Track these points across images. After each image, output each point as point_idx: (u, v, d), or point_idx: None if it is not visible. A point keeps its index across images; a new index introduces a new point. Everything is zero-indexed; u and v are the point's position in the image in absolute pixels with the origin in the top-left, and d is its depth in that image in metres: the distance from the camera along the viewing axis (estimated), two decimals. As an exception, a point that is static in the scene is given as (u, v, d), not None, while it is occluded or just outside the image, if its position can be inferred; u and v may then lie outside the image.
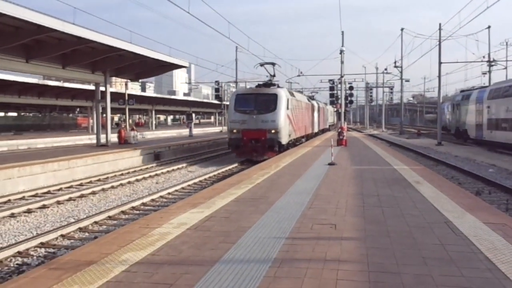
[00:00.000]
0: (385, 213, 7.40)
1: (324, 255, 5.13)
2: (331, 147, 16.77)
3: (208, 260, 4.95)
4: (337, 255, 5.12)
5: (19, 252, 7.94)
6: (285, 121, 22.34)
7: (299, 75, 50.15)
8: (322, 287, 4.17)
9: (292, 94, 25.88)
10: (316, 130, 39.44)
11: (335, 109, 38.80)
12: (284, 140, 22.45)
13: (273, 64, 26.51)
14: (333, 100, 32.60)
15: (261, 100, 22.33)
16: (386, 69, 61.23)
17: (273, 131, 21.58)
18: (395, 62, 54.65)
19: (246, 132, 21.75)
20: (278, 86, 24.90)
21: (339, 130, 26.50)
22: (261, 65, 26.01)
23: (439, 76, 35.46)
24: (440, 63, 34.93)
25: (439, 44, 34.99)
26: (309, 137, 34.12)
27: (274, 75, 26.43)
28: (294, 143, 25.81)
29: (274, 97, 22.28)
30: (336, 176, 12.15)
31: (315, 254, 5.17)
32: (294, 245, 5.54)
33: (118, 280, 4.37)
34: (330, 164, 14.96)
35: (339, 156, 18.08)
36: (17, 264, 7.61)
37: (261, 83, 25.57)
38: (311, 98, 43.89)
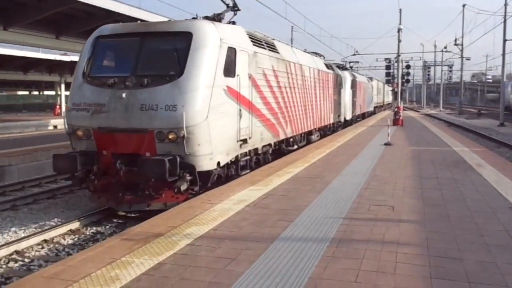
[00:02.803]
0: (444, 196, 7.24)
1: (382, 237, 5.14)
2: (387, 127, 16.41)
3: (267, 237, 5.11)
4: (396, 238, 5.11)
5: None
6: (217, 106, 8.50)
7: (354, 54, 48.76)
8: (381, 269, 4.21)
9: (257, 43, 10.95)
10: (337, 118, 22.57)
11: (391, 88, 36.58)
12: (217, 159, 8.52)
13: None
14: (389, 79, 31.57)
15: (151, 52, 8.79)
16: (445, 47, 58.27)
17: (171, 135, 7.84)
18: (455, 40, 51.90)
19: (106, 137, 8.37)
20: (217, 18, 9.97)
21: (395, 109, 25.80)
22: None
23: (503, 54, 33.49)
24: (504, 40, 32.91)
25: (504, 21, 32.96)
26: (313, 134, 17.56)
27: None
28: (262, 159, 11.39)
29: (185, 43, 8.42)
30: (392, 156, 11.93)
31: (373, 236, 5.19)
32: (352, 226, 5.58)
33: (184, 252, 4.62)
34: (386, 144, 14.68)
35: (395, 136, 17.66)
36: (92, 232, 8.17)
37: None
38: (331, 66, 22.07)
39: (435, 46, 63.91)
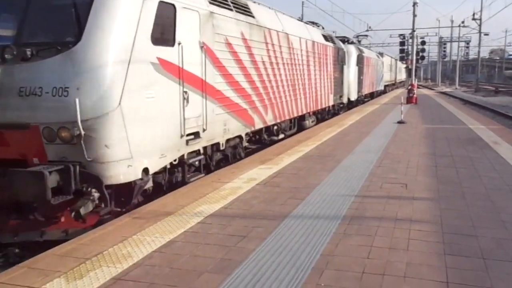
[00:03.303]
0: (459, 174, 7.12)
1: (395, 215, 5.08)
2: (401, 105, 16.16)
3: (278, 215, 5.09)
4: (409, 215, 5.05)
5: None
6: (140, 88, 5.80)
7: (367, 30, 47.92)
8: (394, 246, 4.16)
9: (217, 1, 8.24)
10: (338, 99, 19.24)
11: (405, 65, 35.52)
12: (142, 164, 5.81)
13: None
14: (403, 56, 30.99)
15: (42, 9, 5.88)
16: (463, 22, 56.87)
17: (63, 133, 5.21)
18: (473, 14, 50.56)
19: None
20: None
21: (409, 87, 25.36)
22: None
23: (524, 28, 32.46)
24: (525, 13, 31.88)
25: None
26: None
27: None
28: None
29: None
30: (406, 134, 11.77)
31: (386, 213, 5.13)
32: (364, 203, 5.53)
33: (195, 230, 4.62)
34: (399, 122, 14.48)
35: (409, 114, 17.40)
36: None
37: None
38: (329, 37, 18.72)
39: (452, 21, 62.44)
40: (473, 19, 50.38)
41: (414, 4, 25.09)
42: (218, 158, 8.37)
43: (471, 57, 77.86)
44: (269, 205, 5.51)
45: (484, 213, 5.10)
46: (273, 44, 10.86)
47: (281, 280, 3.49)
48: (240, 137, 9.16)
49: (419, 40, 31.57)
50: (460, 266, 3.71)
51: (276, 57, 11.06)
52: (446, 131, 12.56)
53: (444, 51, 67.51)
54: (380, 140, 10.85)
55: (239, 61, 8.88)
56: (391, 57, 50.93)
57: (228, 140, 8.54)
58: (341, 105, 20.50)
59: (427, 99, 28.89)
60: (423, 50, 30.75)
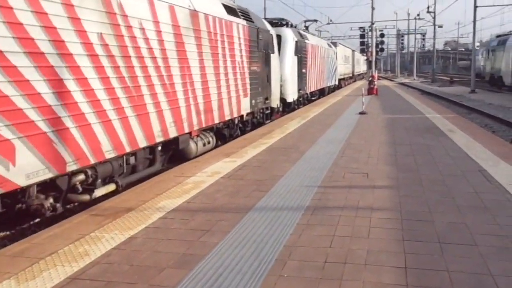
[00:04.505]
0: (417, 161, 7.32)
1: (357, 203, 5.16)
2: (362, 96, 16.47)
3: (242, 208, 5.06)
4: (370, 203, 5.14)
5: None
6: None
7: (328, 23, 48.45)
8: (355, 234, 4.22)
9: None
10: (261, 104, 13.21)
11: (366, 58, 36.13)
12: None
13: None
14: (364, 48, 31.57)
15: None
16: (418, 15, 58.56)
17: None
18: (428, 8, 52.12)
19: None
20: None
21: (370, 78, 25.90)
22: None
23: (474, 21, 33.74)
24: (475, 6, 33.14)
25: (475, -13, 33.03)
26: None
27: None
28: None
29: None
30: (367, 125, 12.00)
31: (348, 202, 5.21)
32: (326, 194, 5.59)
33: (156, 226, 4.53)
34: (361, 113, 14.76)
35: (370, 105, 17.77)
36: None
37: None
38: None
39: (409, 14, 64.11)
40: (428, 12, 51.91)
41: (372, -4, 25.55)
42: None
43: (427, 48, 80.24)
44: (233, 198, 5.48)
45: (440, 199, 5.27)
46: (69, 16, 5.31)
47: (244, 273, 3.47)
48: None
49: (378, 33, 32.26)
50: (417, 251, 3.81)
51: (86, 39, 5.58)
52: (405, 120, 12.89)
53: (402, 43, 69.27)
54: (343, 130, 11.02)
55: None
56: (347, 47, 46.30)
57: None
58: (268, 112, 14.13)
59: (387, 90, 29.59)
60: (382, 43, 31.48)
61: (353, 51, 49.48)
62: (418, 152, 8.13)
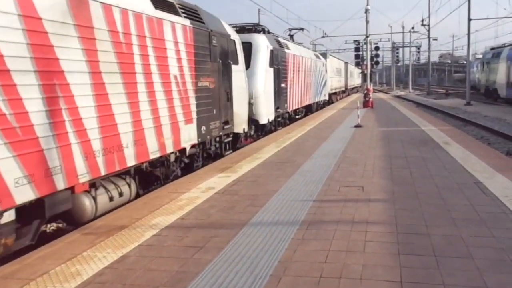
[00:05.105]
0: (413, 174, 7.31)
1: (352, 217, 5.13)
2: (357, 109, 16.52)
3: (236, 223, 5.02)
4: (365, 217, 5.11)
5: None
6: None
7: (323, 37, 48.91)
8: (350, 249, 4.19)
9: None
10: (218, 131, 9.80)
11: (361, 71, 36.08)
12: None
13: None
14: (359, 61, 31.81)
15: None
16: (413, 28, 59.18)
17: None
18: (422, 21, 52.70)
19: None
20: None
21: (365, 91, 26.03)
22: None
23: (468, 34, 34.10)
24: (469, 19, 33.48)
25: (469, 0, 33.45)
26: None
27: None
28: None
29: None
30: (362, 138, 12.01)
31: (343, 216, 5.18)
32: (322, 208, 5.55)
33: (149, 244, 4.49)
34: (356, 126, 14.78)
35: (365, 118, 17.82)
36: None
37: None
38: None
39: (403, 27, 64.84)
40: (422, 25, 52.49)
41: (367, 11, 25.85)
42: None
43: (422, 61, 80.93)
44: (227, 213, 5.44)
45: (436, 212, 5.24)
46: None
47: (238, 290, 3.42)
48: None
49: (373, 46, 32.54)
50: (413, 265, 3.77)
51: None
52: (400, 133, 12.92)
53: (397, 56, 69.83)
54: (338, 144, 11.01)
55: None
56: (339, 59, 43.45)
57: None
58: (230, 139, 10.88)
59: (383, 103, 29.72)
60: (377, 56, 31.74)
61: (346, 63, 47.05)
62: (414, 165, 8.12)
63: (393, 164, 8.22)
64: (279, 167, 8.24)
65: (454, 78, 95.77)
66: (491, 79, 36.53)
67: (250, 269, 3.80)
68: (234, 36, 11.23)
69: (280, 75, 15.82)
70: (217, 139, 10.01)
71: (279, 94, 15.74)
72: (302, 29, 26.93)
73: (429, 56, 57.00)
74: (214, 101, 9.53)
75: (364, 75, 30.75)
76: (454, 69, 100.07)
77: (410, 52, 67.90)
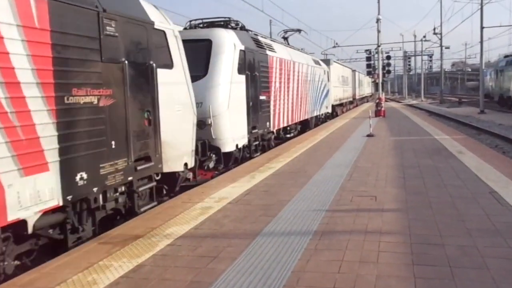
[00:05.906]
0: (426, 184, 7.27)
1: (365, 227, 5.12)
2: (369, 118, 16.48)
3: (249, 233, 5.05)
4: (379, 227, 5.10)
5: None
6: None
7: (334, 47, 49.00)
8: (364, 259, 4.18)
9: None
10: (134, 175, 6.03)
11: (373, 80, 35.69)
12: None
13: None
14: (370, 70, 31.75)
15: None
16: (424, 37, 59.04)
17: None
18: (434, 29, 52.52)
19: None
20: None
21: (377, 101, 25.97)
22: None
23: (481, 42, 33.84)
24: (482, 27, 33.27)
25: (481, 8, 33.26)
26: None
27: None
28: None
29: None
30: (375, 147, 11.97)
31: (356, 226, 5.17)
32: (334, 218, 5.55)
33: (164, 253, 4.53)
34: (368, 135, 14.74)
35: (377, 127, 17.76)
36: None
37: None
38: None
39: (415, 36, 64.70)
40: (434, 33, 52.27)
41: (378, 20, 25.87)
42: None
43: (434, 69, 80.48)
44: (240, 223, 5.47)
45: (450, 221, 5.21)
46: None
47: (252, 300, 3.44)
48: None
49: (385, 55, 32.49)
50: (427, 276, 3.76)
51: None
52: (413, 142, 12.85)
53: (409, 64, 69.60)
54: (350, 153, 11.00)
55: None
56: (345, 66, 38.95)
57: None
58: (153, 183, 6.75)
59: (395, 112, 29.59)
60: (388, 65, 31.62)
61: (353, 71, 42.36)
62: (427, 174, 8.08)
63: (406, 174, 8.18)
64: (292, 177, 8.25)
65: (467, 86, 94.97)
66: (505, 87, 36.15)
67: (263, 279, 3.82)
68: (165, 25, 7.16)
69: (258, 85, 11.93)
70: (123, 188, 6.05)
71: (256, 109, 11.77)
72: (299, 30, 22.40)
73: (441, 65, 56.67)
74: (114, 126, 5.69)
75: (375, 84, 30.56)
76: (467, 77, 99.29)
77: (422, 60, 67.65)
